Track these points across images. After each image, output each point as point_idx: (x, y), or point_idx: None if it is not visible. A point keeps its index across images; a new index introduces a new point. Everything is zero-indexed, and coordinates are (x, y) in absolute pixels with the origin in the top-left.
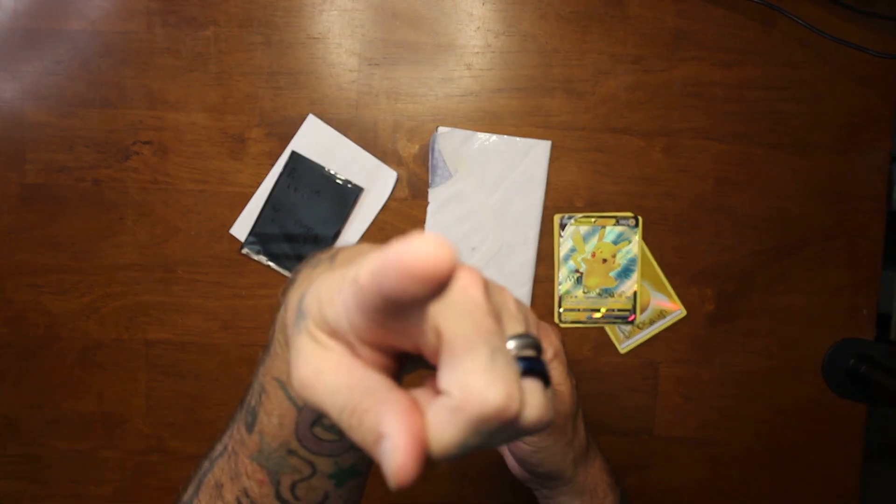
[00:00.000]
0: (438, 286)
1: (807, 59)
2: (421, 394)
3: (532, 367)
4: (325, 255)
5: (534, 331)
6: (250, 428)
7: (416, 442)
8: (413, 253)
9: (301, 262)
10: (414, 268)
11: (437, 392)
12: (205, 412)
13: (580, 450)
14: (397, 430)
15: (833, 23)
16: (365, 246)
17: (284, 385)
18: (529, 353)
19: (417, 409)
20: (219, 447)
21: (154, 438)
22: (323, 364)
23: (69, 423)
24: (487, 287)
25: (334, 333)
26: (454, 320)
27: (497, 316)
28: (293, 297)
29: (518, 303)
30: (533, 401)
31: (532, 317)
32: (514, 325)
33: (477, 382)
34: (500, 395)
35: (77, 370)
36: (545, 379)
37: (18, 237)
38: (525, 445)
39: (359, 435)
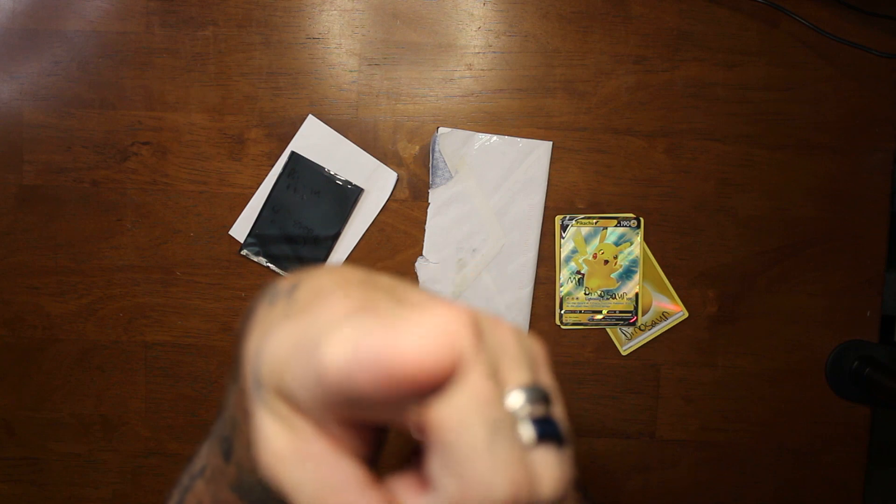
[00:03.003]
0: (433, 390)
1: (809, 60)
2: (404, 487)
3: (543, 430)
4: (283, 287)
5: (543, 373)
6: (227, 457)
7: None
8: (402, 354)
9: (262, 290)
10: (401, 374)
11: (425, 483)
12: (204, 414)
13: None
14: None
15: (836, 23)
16: (329, 278)
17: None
18: (539, 410)
19: None
20: (198, 463)
21: (153, 441)
22: (286, 448)
23: (68, 426)
24: (480, 329)
25: (298, 408)
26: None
27: (494, 369)
28: (249, 346)
29: (518, 337)
30: (548, 476)
31: (537, 349)
32: (517, 373)
33: (476, 471)
34: (506, 486)
35: (76, 372)
36: (560, 439)
37: (16, 239)
38: None
39: None
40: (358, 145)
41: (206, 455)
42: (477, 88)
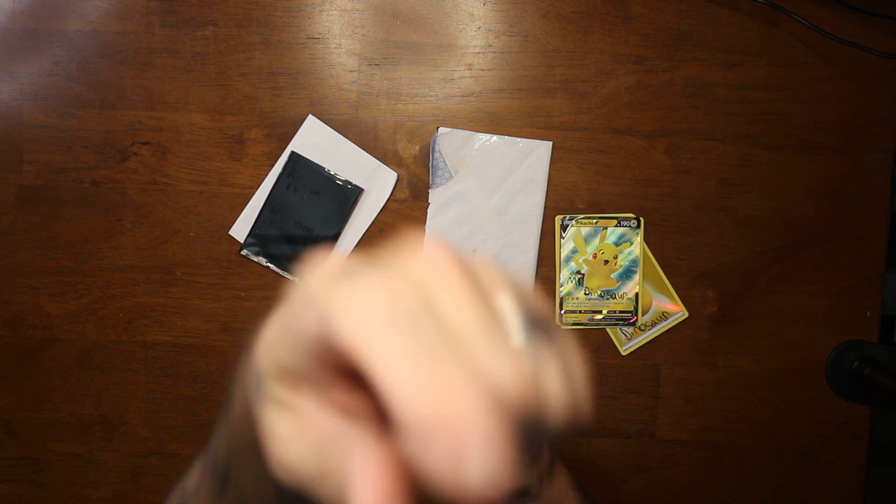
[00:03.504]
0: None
1: (809, 60)
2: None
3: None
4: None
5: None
6: (223, 486)
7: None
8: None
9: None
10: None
11: None
12: (204, 414)
13: (545, 467)
14: (363, 488)
15: (836, 23)
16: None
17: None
18: (528, 319)
19: (395, 460)
20: (192, 481)
21: (153, 441)
22: (291, 429)
23: (68, 426)
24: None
25: (297, 380)
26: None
27: (483, 288)
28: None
29: (506, 275)
30: (550, 382)
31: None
32: (505, 291)
33: (483, 361)
34: (514, 380)
35: (76, 372)
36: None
37: (16, 239)
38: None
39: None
40: (358, 145)
41: (200, 479)
42: (477, 88)
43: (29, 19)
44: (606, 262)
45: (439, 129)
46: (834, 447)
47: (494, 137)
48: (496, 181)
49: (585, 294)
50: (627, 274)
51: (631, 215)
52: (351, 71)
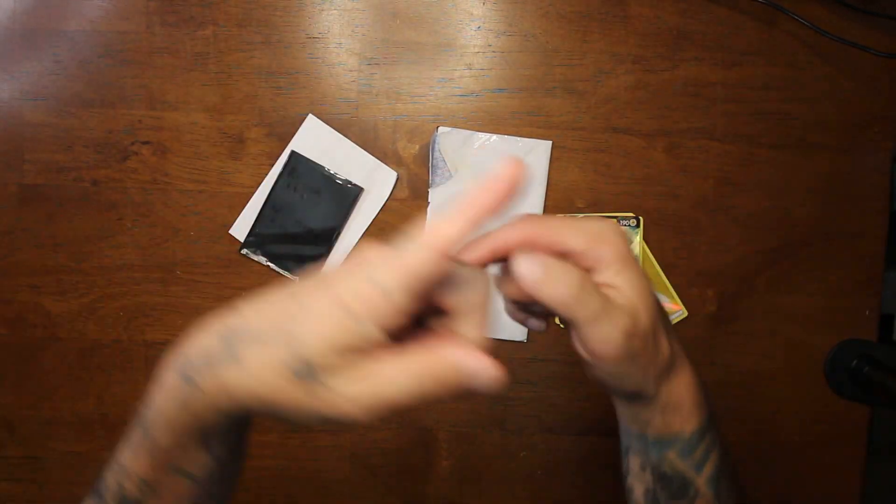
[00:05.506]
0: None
1: (808, 59)
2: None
3: None
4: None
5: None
6: None
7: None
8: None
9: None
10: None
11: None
12: None
13: (663, 365)
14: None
15: (835, 22)
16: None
17: (180, 468)
18: None
19: None
20: None
21: None
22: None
23: (68, 425)
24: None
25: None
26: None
27: None
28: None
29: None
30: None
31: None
32: None
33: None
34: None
35: (76, 371)
36: None
37: (17, 238)
38: (602, 370)
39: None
40: (358, 144)
41: None
42: (477, 88)
43: (29, 19)
44: None
45: (439, 128)
46: (833, 446)
47: (494, 136)
48: None
49: None
50: None
51: (630, 214)
52: (351, 70)
